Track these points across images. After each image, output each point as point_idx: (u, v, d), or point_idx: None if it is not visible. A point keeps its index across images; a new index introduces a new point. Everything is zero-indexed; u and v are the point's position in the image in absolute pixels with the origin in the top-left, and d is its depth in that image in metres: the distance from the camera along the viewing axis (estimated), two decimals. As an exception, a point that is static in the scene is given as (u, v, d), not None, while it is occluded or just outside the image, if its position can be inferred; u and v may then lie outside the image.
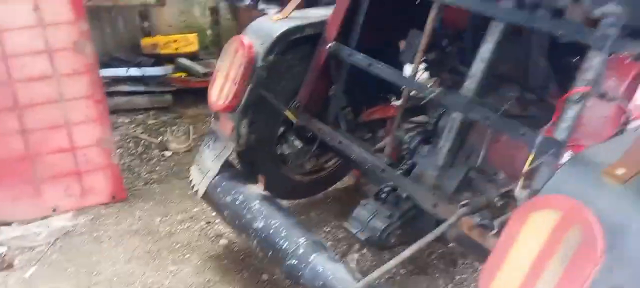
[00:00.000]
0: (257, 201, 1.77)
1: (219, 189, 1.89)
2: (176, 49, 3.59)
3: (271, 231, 1.62)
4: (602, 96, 1.22)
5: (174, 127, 3.19)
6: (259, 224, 1.67)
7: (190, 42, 3.64)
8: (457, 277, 2.15)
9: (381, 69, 1.81)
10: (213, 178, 1.94)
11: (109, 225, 2.32)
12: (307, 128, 2.09)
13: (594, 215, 0.97)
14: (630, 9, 1.22)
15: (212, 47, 3.98)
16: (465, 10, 1.72)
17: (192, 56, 3.66)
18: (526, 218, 1.04)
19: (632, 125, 1.26)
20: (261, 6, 3.05)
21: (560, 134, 1.32)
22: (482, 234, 1.41)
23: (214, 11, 3.94)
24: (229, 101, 1.90)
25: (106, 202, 2.44)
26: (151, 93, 3.34)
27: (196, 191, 1.99)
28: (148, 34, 3.67)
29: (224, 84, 1.94)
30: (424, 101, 1.65)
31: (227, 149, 1.99)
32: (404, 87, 1.81)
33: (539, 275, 0.99)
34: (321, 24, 2.01)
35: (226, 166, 1.99)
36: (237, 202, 1.79)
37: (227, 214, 1.81)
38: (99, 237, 2.24)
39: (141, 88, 3.32)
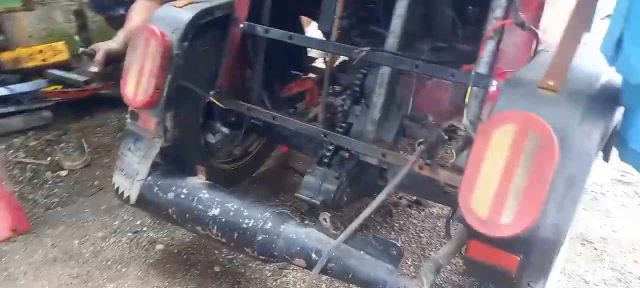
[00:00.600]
0: (204, 190, 1.71)
1: (155, 189, 1.78)
2: (44, 60, 3.20)
3: (231, 214, 1.58)
4: (521, 25, 1.41)
5: (62, 145, 2.87)
6: (215, 211, 1.61)
7: (59, 51, 3.27)
8: (396, 225, 2.32)
9: (304, 39, 1.86)
10: (145, 180, 1.82)
11: (20, 260, 2.03)
12: (233, 112, 2.06)
13: (545, 121, 1.14)
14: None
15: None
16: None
17: (64, 66, 3.30)
18: (490, 135, 1.18)
19: (541, 47, 1.48)
20: None
21: (484, 67, 1.52)
22: (433, 169, 1.55)
23: (80, 15, 3.58)
24: (150, 95, 1.78)
25: (7, 237, 2.13)
26: (25, 112, 2.94)
27: (127, 198, 1.84)
28: (4, 48, 3.21)
29: (139, 79, 1.81)
30: (355, 62, 1.73)
31: (153, 147, 1.87)
32: (326, 53, 1.89)
33: (510, 180, 1.14)
34: (229, 5, 1.97)
35: (154, 165, 1.88)
36: (183, 196, 1.71)
37: (172, 211, 1.71)
38: (11, 275, 1.96)
39: (12, 108, 2.91)
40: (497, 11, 1.50)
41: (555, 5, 1.52)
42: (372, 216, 2.36)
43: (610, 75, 1.30)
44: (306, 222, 1.96)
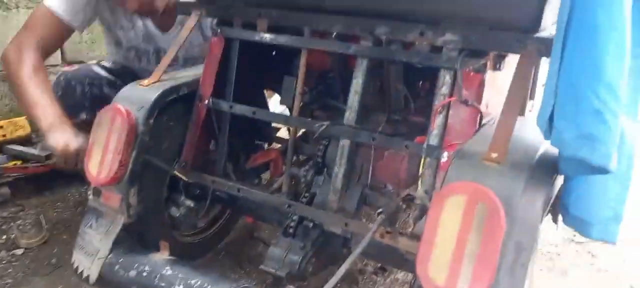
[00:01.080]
0: (167, 266, 1.70)
1: (116, 267, 1.75)
2: (4, 135, 3.16)
3: (195, 291, 1.58)
4: (465, 102, 1.53)
5: (19, 221, 2.78)
6: (179, 288, 1.60)
7: (20, 127, 3.24)
8: (362, 293, 2.34)
9: (267, 114, 1.94)
10: (106, 258, 1.79)
11: (-32, 350, 1.92)
12: (197, 185, 2.08)
13: (491, 192, 1.23)
14: (463, 36, 1.57)
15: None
16: (330, 52, 1.97)
17: (25, 141, 3.26)
18: (443, 205, 1.25)
19: (485, 121, 1.61)
20: None
21: (434, 139, 1.62)
22: (393, 237, 1.61)
23: (42, 89, 3.57)
24: (113, 172, 1.80)
25: (-45, 325, 2.02)
26: (-18, 189, 2.87)
27: (87, 277, 1.80)
28: (-37, 124, 3.17)
29: (104, 156, 1.83)
30: (316, 135, 1.81)
31: (116, 224, 1.86)
32: (289, 127, 1.96)
33: (464, 247, 1.21)
34: (194, 83, 2.05)
35: (116, 242, 1.86)
36: (145, 274, 1.69)
37: (135, 290, 1.69)
38: None
39: (-33, 186, 2.83)
40: (443, 88, 1.63)
41: (494, 82, 1.67)
42: (338, 285, 2.37)
43: (548, 144, 1.42)
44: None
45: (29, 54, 2.31)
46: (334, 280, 1.38)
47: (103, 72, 2.70)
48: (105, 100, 2.64)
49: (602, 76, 1.14)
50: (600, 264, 2.70)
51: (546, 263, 2.70)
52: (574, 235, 2.95)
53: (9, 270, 2.42)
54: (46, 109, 2.23)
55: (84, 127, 2.44)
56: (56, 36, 2.44)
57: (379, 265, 2.53)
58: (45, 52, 2.41)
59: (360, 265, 2.54)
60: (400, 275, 2.49)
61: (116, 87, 2.74)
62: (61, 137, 2.17)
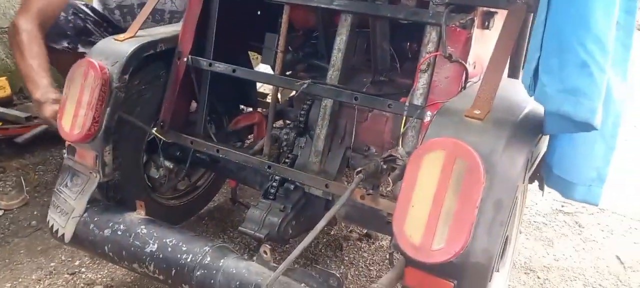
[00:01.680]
0: (143, 226, 1.65)
1: (91, 226, 1.71)
2: (-16, 96, 3.09)
3: (169, 249, 1.54)
4: (449, 57, 1.48)
5: (-1, 183, 2.74)
6: (153, 247, 1.56)
7: (0, 87, 3.16)
8: (346, 259, 2.31)
9: (248, 72, 1.87)
10: (81, 217, 1.75)
11: (-58, 308, 1.89)
12: (177, 145, 2.03)
13: (471, 148, 1.18)
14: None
15: (27, 90, 3.51)
16: (314, 9, 1.90)
17: (5, 102, 3.18)
18: (420, 162, 1.21)
19: (471, 81, 1.55)
20: (81, 49, 2.76)
21: (418, 98, 1.57)
22: (374, 198, 1.57)
23: (24, 50, 3.48)
24: (87, 129, 1.73)
25: None
26: (-40, 150, 2.81)
27: (62, 236, 1.76)
28: (-58, 84, 3.08)
29: (77, 112, 1.76)
30: (295, 94, 1.75)
31: (91, 182, 1.80)
32: (271, 87, 1.90)
33: (441, 205, 1.17)
34: (173, 39, 1.98)
35: (92, 201, 1.81)
36: (120, 233, 1.65)
37: (109, 248, 1.65)
38: None
39: (-54, 146, 2.77)
40: (429, 46, 1.57)
41: (483, 41, 1.61)
42: (323, 250, 2.35)
43: (535, 104, 1.37)
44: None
45: (27, 25, 2.36)
46: (311, 235, 1.34)
47: (89, 11, 2.74)
48: (88, 34, 2.69)
49: (590, 27, 1.08)
50: (587, 234, 2.69)
51: (533, 232, 2.68)
52: (562, 206, 2.93)
53: (-12, 231, 2.38)
54: (39, 80, 2.30)
55: (67, 55, 2.58)
56: (54, 3, 2.47)
57: (365, 232, 2.51)
58: (45, 20, 2.44)
59: (346, 232, 2.51)
60: (385, 242, 2.47)
61: (101, 28, 2.72)
62: (50, 108, 2.22)
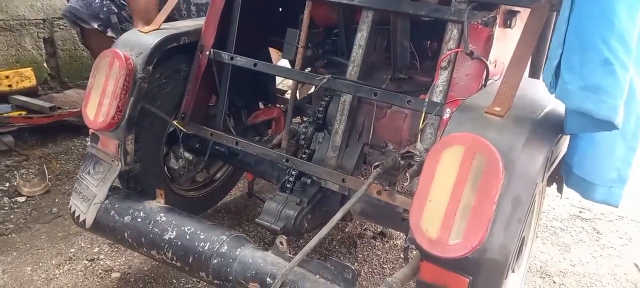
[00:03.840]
0: (162, 213, 1.68)
1: (112, 213, 1.74)
2: (10, 85, 3.17)
3: (187, 237, 1.56)
4: (470, 54, 1.48)
5: (23, 171, 2.80)
6: (172, 234, 1.59)
7: (26, 77, 3.24)
8: (360, 256, 2.31)
9: (268, 67, 1.90)
10: (102, 203, 1.78)
11: (-34, 288, 1.95)
12: (197, 137, 2.06)
13: (490, 143, 1.18)
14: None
15: (52, 81, 3.60)
16: (335, 5, 1.91)
17: (30, 92, 3.27)
18: (439, 157, 1.21)
19: (491, 79, 1.55)
20: (110, 33, 2.88)
21: (438, 95, 1.57)
22: (390, 194, 1.57)
23: (50, 42, 3.57)
24: (110, 117, 1.77)
25: (-45, 264, 2.05)
26: (-14, 137, 2.89)
27: (83, 221, 1.80)
28: (-30, 73, 3.17)
29: (101, 101, 1.81)
30: (315, 89, 1.77)
31: (113, 170, 1.85)
32: (291, 81, 1.92)
33: (458, 200, 1.17)
34: (196, 32, 2.01)
35: (113, 189, 1.85)
36: (139, 220, 1.68)
37: (128, 235, 1.68)
38: (-45, 303, 1.87)
39: (-28, 132, 2.85)
40: (450, 43, 1.57)
41: (505, 40, 1.60)
42: (337, 247, 2.36)
43: (557, 103, 1.36)
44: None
45: None
46: (328, 226, 1.35)
47: (124, 1, 2.84)
48: (120, 21, 2.82)
49: (614, 25, 1.08)
50: (605, 241, 2.65)
51: (550, 237, 2.65)
52: (580, 212, 2.89)
53: (11, 216, 2.44)
54: None
55: (96, 36, 2.79)
56: None
57: (379, 230, 2.51)
58: None
59: (360, 230, 2.52)
60: (400, 241, 2.47)
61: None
62: None
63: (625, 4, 1.07)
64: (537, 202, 1.91)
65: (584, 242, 2.64)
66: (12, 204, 2.53)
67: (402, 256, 1.96)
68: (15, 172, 2.76)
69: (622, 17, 1.07)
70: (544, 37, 1.87)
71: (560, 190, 1.80)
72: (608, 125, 1.13)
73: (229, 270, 1.47)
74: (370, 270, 2.26)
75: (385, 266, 2.29)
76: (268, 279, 1.43)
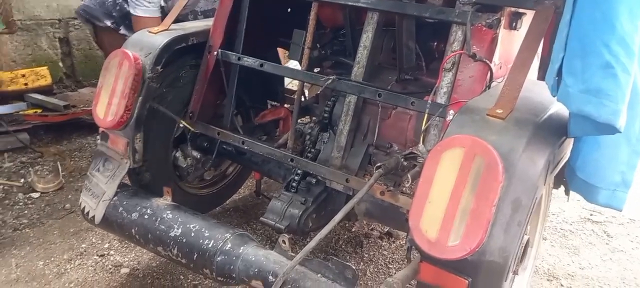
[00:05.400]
0: (168, 211, 1.71)
1: (120, 209, 1.78)
2: (26, 84, 3.24)
3: (192, 234, 1.59)
4: (473, 56, 1.48)
5: (37, 167, 2.86)
6: (177, 231, 1.62)
7: (41, 76, 3.31)
8: (366, 255, 2.32)
9: (275, 67, 1.91)
10: (111, 200, 1.82)
11: (-19, 281, 2.00)
12: (205, 136, 2.09)
13: (490, 146, 1.18)
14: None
15: (67, 80, 3.67)
16: (342, 6, 1.92)
17: (46, 91, 3.34)
18: (439, 158, 1.21)
19: (496, 81, 1.54)
20: (123, 31, 2.93)
21: (442, 97, 1.57)
22: (393, 195, 1.58)
23: (65, 42, 3.64)
24: (119, 116, 1.81)
25: (-30, 257, 2.11)
26: (3, 133, 2.95)
27: (92, 218, 1.84)
28: (-13, 71, 3.25)
29: (110, 100, 1.84)
30: (320, 90, 1.78)
31: (122, 168, 1.88)
32: (297, 81, 1.93)
33: (458, 201, 1.17)
34: (204, 33, 2.04)
35: (122, 186, 1.89)
36: (146, 216, 1.71)
37: (135, 231, 1.71)
38: (-30, 296, 1.93)
39: (-11, 130, 2.92)
40: (454, 45, 1.57)
41: (510, 42, 1.60)
42: (343, 246, 2.37)
43: (561, 106, 1.35)
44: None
45: None
46: (329, 226, 1.36)
47: None
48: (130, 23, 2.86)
49: (616, 29, 1.07)
50: (615, 244, 2.62)
51: (558, 239, 2.63)
52: (591, 214, 2.86)
53: (25, 212, 2.50)
54: None
55: (108, 33, 2.87)
56: None
57: (386, 230, 2.51)
58: None
59: (367, 230, 2.52)
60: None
61: None
62: None
63: (627, 7, 1.07)
64: (543, 204, 1.90)
65: (593, 245, 2.61)
66: (26, 200, 2.59)
67: (406, 256, 1.96)
68: (30, 169, 2.82)
69: (623, 21, 1.07)
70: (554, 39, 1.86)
71: (567, 192, 1.79)
72: (609, 129, 1.12)
73: (232, 267, 1.49)
74: (375, 269, 2.27)
75: (391, 266, 2.30)
76: (270, 277, 1.45)
